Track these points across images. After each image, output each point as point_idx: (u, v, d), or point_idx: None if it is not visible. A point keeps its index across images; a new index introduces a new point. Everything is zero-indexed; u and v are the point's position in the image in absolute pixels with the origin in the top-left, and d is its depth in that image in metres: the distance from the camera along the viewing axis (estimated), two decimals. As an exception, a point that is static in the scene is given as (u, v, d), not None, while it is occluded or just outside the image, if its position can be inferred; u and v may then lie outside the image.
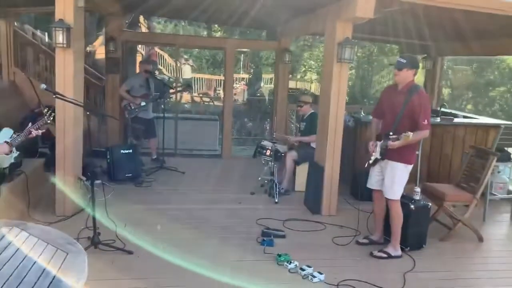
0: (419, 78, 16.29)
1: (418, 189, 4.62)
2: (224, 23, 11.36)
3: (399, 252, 4.29)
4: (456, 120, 7.02)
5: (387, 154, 4.13)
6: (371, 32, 7.67)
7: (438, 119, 6.81)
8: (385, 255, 4.25)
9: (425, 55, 8.57)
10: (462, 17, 5.21)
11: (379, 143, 4.18)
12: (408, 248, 4.38)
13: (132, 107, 6.97)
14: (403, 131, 3.91)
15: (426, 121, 4.00)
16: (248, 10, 6.29)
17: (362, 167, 4.54)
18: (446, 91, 17.41)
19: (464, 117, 7.78)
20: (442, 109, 7.38)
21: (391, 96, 4.25)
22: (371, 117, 5.06)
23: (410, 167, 4.19)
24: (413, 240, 4.43)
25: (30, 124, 3.76)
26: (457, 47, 7.98)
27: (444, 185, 5.27)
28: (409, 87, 4.08)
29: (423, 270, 4.06)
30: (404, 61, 4.07)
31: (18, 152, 3.99)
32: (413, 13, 5.26)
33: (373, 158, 4.25)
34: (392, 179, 4.15)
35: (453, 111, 8.23)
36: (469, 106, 17.64)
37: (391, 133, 4.01)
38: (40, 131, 3.75)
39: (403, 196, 4.54)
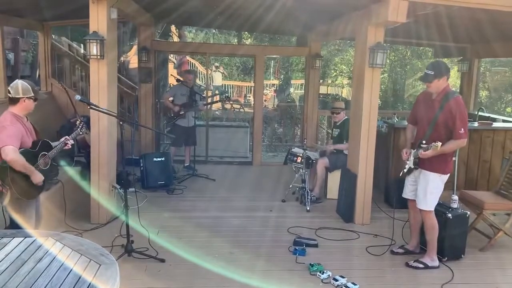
0: (455, 81, 15.84)
1: (455, 197, 4.47)
2: (253, 30, 11.41)
3: (436, 263, 4.14)
4: (495, 124, 6.77)
5: (420, 163, 4.00)
6: (404, 36, 7.51)
7: (476, 124, 6.58)
8: (421, 266, 4.12)
9: (461, 57, 8.31)
10: (500, 18, 5.03)
11: (413, 151, 4.06)
12: (446, 258, 4.22)
13: (171, 115, 7.15)
14: (437, 139, 3.77)
15: (462, 129, 3.82)
16: (277, 17, 6.29)
17: (396, 174, 4.42)
18: (483, 94, 16.84)
19: (504, 121, 7.50)
20: (480, 113, 7.14)
21: (426, 103, 4.11)
22: (405, 123, 4.94)
23: (445, 177, 4.03)
24: (451, 250, 4.27)
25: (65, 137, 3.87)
26: (495, 48, 7.69)
27: (483, 192, 5.09)
28: (444, 94, 3.93)
29: (462, 282, 3.91)
30: (432, 72, 3.89)
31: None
32: (448, 15, 5.11)
33: (406, 167, 4.14)
34: (425, 189, 4.02)
35: (492, 115, 7.94)
36: (508, 109, 16.98)
37: (423, 142, 3.88)
38: (72, 141, 3.86)
39: (439, 204, 4.39)
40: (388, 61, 15.75)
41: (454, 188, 5.87)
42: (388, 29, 5.10)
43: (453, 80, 16.54)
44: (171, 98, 7.32)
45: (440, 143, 3.71)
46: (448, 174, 4.06)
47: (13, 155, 3.25)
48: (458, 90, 9.37)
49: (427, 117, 4.03)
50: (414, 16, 4.68)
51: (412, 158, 4.05)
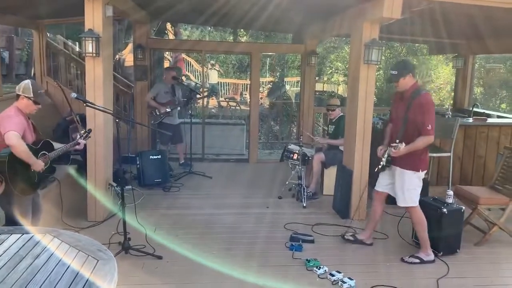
0: (450, 78, 15.84)
1: (450, 192, 4.49)
2: (249, 28, 11.40)
3: (431, 257, 4.18)
4: (489, 120, 6.81)
5: (395, 161, 4.05)
6: (399, 32, 7.53)
7: (471, 120, 6.61)
8: (417, 260, 4.15)
9: (456, 54, 8.35)
10: (495, 14, 5.06)
11: (388, 149, 4.08)
12: (441, 253, 4.26)
13: (157, 113, 7.09)
14: (409, 137, 3.88)
15: (430, 126, 3.87)
16: (273, 14, 6.29)
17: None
18: (478, 90, 16.91)
19: (498, 116, 7.55)
20: (475, 109, 7.18)
21: (397, 101, 4.20)
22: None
23: (421, 173, 4.07)
24: (446, 245, 4.30)
25: (78, 136, 4.01)
26: (490, 45, 7.73)
27: (478, 187, 5.12)
28: (412, 91, 4.00)
29: (457, 276, 3.94)
30: (396, 72, 3.99)
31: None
32: (442, 11, 5.13)
33: (381, 164, 4.16)
34: (402, 187, 4.07)
35: (486, 111, 7.99)
36: (503, 105, 17.07)
37: (397, 141, 3.90)
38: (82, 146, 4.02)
39: (434, 199, 4.45)
40: (383, 58, 15.78)
41: (449, 183, 5.91)
42: (384, 26, 5.12)
43: (448, 76, 16.60)
44: (151, 95, 7.15)
45: (403, 145, 3.78)
46: (424, 171, 4.10)
47: (16, 141, 3.33)
48: (453, 87, 9.42)
49: (399, 115, 4.09)
50: (409, 12, 4.70)
51: (386, 155, 4.09)
